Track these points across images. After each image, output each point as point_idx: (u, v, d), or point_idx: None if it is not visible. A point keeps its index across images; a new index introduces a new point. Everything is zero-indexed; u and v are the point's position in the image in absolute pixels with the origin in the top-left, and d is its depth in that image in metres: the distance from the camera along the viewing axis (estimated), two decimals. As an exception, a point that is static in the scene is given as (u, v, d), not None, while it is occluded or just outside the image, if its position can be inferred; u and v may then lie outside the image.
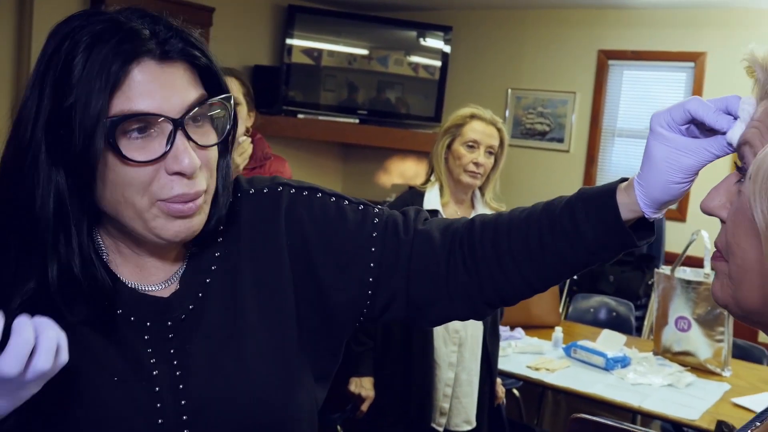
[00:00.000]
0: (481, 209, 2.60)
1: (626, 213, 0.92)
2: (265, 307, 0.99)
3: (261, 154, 2.84)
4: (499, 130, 2.59)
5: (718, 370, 3.12)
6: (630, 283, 4.89)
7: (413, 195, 2.56)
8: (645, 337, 4.29)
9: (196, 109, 0.88)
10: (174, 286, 0.97)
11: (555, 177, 5.78)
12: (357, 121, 6.07)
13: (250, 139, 2.65)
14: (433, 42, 6.19)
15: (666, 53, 5.34)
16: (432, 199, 2.52)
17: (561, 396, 3.93)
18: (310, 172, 6.08)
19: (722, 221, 0.73)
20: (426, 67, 6.20)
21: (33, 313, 0.77)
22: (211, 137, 0.91)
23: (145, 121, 0.85)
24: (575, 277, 5.13)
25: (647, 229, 0.96)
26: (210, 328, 0.95)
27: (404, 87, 6.26)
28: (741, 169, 0.74)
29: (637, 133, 5.59)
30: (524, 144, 5.96)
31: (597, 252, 0.96)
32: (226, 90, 0.93)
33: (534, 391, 3.91)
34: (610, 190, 0.94)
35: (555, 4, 5.66)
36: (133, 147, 0.84)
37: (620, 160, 5.66)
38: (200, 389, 0.92)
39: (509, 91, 6.02)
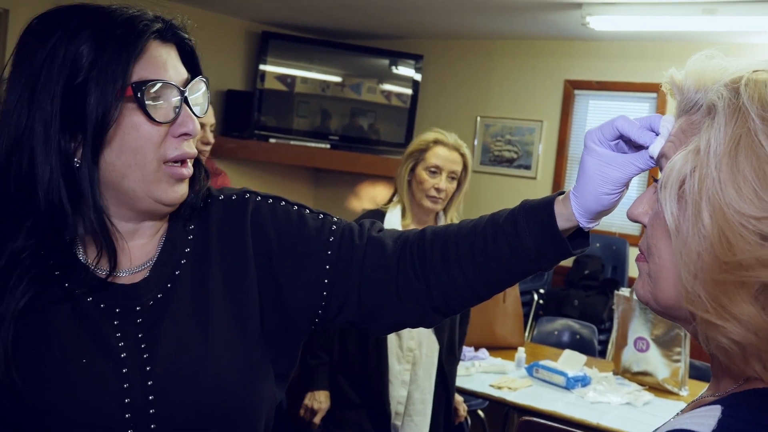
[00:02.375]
0: None
1: (563, 222, 1.00)
2: (231, 300, 1.06)
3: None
4: (462, 155, 2.59)
5: (675, 390, 3.20)
6: (594, 307, 4.98)
7: (374, 215, 2.60)
8: (609, 359, 4.37)
9: (192, 83, 1.02)
10: (144, 273, 1.04)
11: (522, 203, 5.88)
12: (328, 146, 6.15)
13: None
14: (405, 70, 6.31)
15: (629, 84, 5.50)
16: (392, 220, 2.55)
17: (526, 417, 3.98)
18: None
19: (645, 226, 0.81)
20: (398, 95, 6.30)
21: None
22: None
23: (156, 91, 0.97)
24: (541, 301, 5.22)
25: (583, 237, 1.04)
26: (177, 315, 1.02)
27: (377, 114, 6.35)
28: (657, 181, 0.81)
29: (602, 161, 5.71)
30: (492, 171, 6.08)
31: (536, 259, 1.03)
32: (202, 72, 1.07)
33: (499, 412, 3.96)
34: (549, 201, 1.02)
35: (523, 36, 5.81)
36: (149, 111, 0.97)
37: (586, 188, 5.78)
38: (166, 371, 0.99)
39: (478, 118, 6.14)
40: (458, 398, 2.84)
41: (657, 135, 0.89)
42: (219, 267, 1.07)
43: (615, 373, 3.38)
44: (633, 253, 5.26)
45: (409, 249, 1.10)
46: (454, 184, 2.58)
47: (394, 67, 6.32)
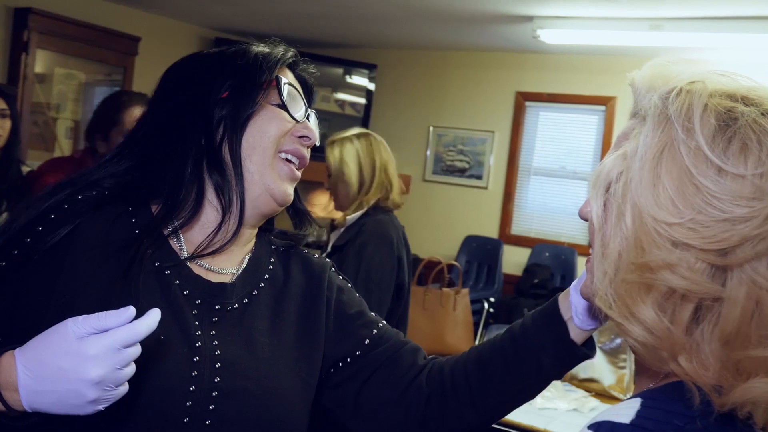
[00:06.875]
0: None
1: (565, 311, 1.09)
2: (302, 335, 1.13)
3: None
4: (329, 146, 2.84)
5: (621, 396, 3.25)
6: (543, 315, 5.04)
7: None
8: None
9: (310, 110, 1.19)
10: (227, 278, 1.10)
11: (473, 213, 5.94)
12: (281, 154, 6.11)
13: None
14: (359, 79, 6.32)
15: (579, 96, 5.60)
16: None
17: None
18: (233, 204, 6.08)
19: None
20: (352, 104, 6.31)
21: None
22: None
23: (291, 95, 1.13)
24: (491, 309, 5.26)
25: (590, 347, 1.11)
26: (252, 327, 1.07)
27: (330, 123, 6.34)
28: None
29: (552, 171, 5.81)
30: (444, 180, 6.12)
31: (537, 350, 1.09)
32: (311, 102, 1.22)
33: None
34: (557, 297, 1.13)
35: (476, 47, 5.88)
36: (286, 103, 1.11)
37: (536, 197, 5.87)
38: (234, 375, 1.02)
39: (431, 128, 6.19)
40: None
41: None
42: (296, 302, 1.14)
43: (562, 380, 3.42)
44: (582, 262, 5.34)
45: (432, 378, 1.16)
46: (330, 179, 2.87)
47: (348, 76, 6.33)
